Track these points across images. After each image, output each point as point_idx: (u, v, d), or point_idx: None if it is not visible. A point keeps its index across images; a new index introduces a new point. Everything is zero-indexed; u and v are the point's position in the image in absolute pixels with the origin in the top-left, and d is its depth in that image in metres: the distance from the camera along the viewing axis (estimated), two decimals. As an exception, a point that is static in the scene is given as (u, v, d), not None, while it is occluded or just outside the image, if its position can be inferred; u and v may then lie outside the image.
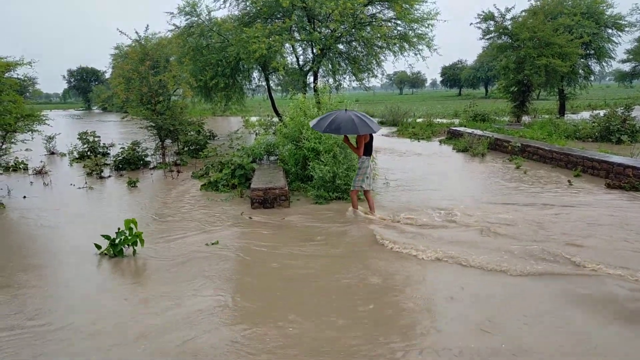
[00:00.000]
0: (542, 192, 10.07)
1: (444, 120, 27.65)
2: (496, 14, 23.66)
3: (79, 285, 5.81)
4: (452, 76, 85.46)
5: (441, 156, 16.11)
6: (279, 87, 22.67)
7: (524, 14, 23.80)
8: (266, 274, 5.93)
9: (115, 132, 28.40)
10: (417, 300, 5.06)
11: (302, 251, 6.70)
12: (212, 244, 6.99)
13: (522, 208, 8.70)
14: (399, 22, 17.36)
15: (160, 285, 5.62)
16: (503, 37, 23.82)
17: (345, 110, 8.29)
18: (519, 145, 15.01)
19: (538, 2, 24.83)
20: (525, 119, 24.52)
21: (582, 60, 24.38)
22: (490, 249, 6.51)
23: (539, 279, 5.51)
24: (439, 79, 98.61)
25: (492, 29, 23.96)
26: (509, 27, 23.21)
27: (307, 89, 18.21)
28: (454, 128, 21.18)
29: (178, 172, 13.60)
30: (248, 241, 7.24)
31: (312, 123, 8.41)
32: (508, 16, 23.72)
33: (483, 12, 23.96)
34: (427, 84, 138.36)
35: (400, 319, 4.67)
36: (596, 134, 17.53)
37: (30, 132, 12.00)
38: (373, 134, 8.28)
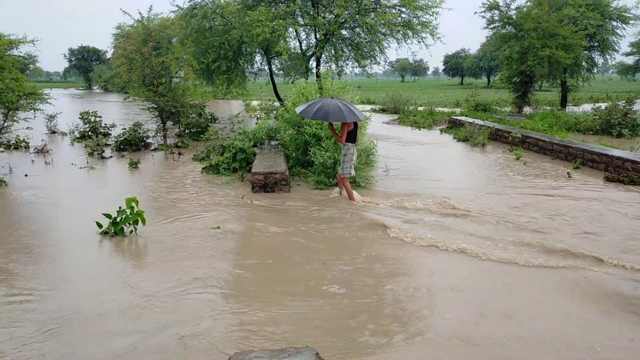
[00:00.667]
0: (540, 183, 10.14)
1: (445, 109, 27.61)
2: (501, 3, 23.49)
3: (85, 267, 5.91)
4: (455, 65, 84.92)
5: (442, 145, 16.14)
6: (281, 72, 22.57)
7: (528, 4, 23.65)
8: (267, 257, 6.02)
9: (116, 113, 28.31)
10: (419, 287, 5.17)
11: (303, 235, 6.79)
12: (213, 228, 7.06)
13: (519, 198, 8.79)
14: (403, 9, 17.21)
15: (160, 265, 5.72)
16: (507, 27, 23.65)
17: (332, 98, 8.42)
18: (520, 136, 15.04)
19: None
20: (527, 110, 24.51)
21: (585, 52, 24.27)
22: (484, 237, 6.61)
23: (538, 269, 5.62)
24: (441, 67, 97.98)
25: (496, 18, 23.80)
26: (514, 16, 23.07)
27: (309, 74, 18.15)
28: (455, 117, 21.16)
29: (179, 154, 13.65)
30: (249, 224, 7.33)
31: (298, 110, 8.54)
32: (513, 6, 23.58)
33: (488, 0, 23.79)
34: (429, 72, 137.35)
35: (398, 302, 4.78)
36: (597, 127, 17.54)
37: (32, 111, 12.01)
38: (357, 122, 8.47)
